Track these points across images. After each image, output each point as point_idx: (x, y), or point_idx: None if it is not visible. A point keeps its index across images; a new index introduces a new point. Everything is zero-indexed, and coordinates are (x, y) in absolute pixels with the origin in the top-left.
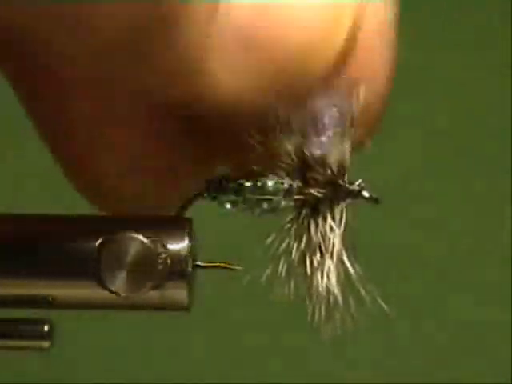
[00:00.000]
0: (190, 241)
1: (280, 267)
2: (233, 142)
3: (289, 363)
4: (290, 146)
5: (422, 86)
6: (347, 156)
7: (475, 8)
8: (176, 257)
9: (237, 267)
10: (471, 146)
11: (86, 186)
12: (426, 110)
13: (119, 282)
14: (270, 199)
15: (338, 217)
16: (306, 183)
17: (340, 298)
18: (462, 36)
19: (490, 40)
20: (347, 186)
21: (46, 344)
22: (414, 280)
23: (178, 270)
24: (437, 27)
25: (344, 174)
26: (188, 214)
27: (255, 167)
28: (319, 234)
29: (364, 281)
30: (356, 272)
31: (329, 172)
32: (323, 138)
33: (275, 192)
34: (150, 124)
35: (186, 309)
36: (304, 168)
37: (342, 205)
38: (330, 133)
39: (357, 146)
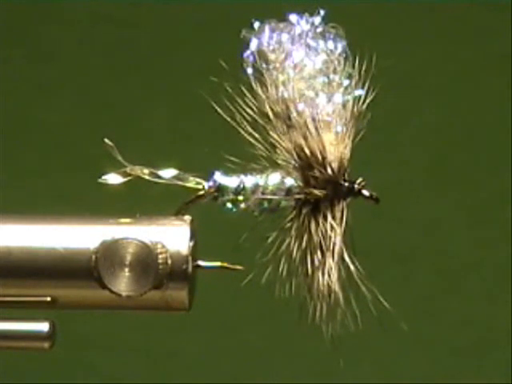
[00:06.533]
0: (191, 241)
1: (281, 267)
2: None
3: (289, 363)
4: (290, 146)
5: (422, 87)
6: (347, 155)
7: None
8: (176, 257)
9: (237, 267)
10: (471, 146)
11: None
12: (426, 110)
13: (120, 282)
14: (271, 199)
15: (338, 215)
16: (307, 182)
17: (341, 297)
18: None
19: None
20: (348, 184)
21: (46, 344)
22: (415, 280)
23: (179, 270)
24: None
25: (344, 173)
26: (188, 214)
27: (256, 166)
28: (320, 232)
29: (365, 279)
30: (357, 270)
31: (329, 171)
32: None
33: (276, 192)
34: None
35: (186, 309)
36: (304, 167)
37: (343, 203)
38: None
39: None
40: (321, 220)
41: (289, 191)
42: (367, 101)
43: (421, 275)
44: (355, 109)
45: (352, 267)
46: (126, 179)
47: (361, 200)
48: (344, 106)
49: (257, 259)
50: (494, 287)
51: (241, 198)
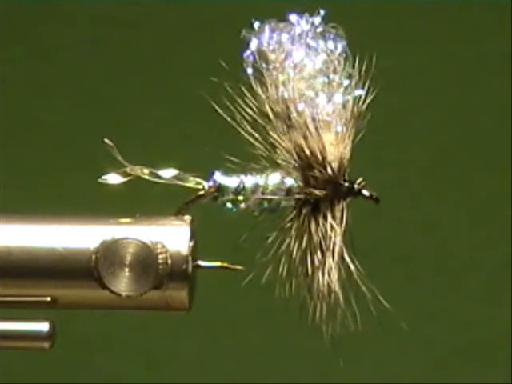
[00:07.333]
0: (191, 241)
1: (281, 267)
2: None
3: (289, 363)
4: (290, 146)
5: (422, 87)
6: (347, 155)
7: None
8: (176, 257)
9: (237, 267)
10: (471, 146)
11: None
12: (426, 110)
13: (120, 282)
14: (271, 199)
15: (338, 215)
16: (307, 182)
17: (341, 296)
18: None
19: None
20: (347, 184)
21: (46, 344)
22: (415, 280)
23: (179, 270)
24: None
25: (344, 173)
26: (188, 214)
27: (256, 166)
28: (320, 232)
29: (365, 279)
30: (357, 270)
31: (329, 171)
32: None
33: (276, 192)
34: None
35: (186, 309)
36: (304, 167)
37: (343, 203)
38: None
39: None
40: (321, 220)
41: (289, 191)
42: (367, 101)
43: (421, 275)
44: (355, 109)
45: (352, 267)
46: (126, 179)
47: (361, 200)
48: (344, 106)
49: (257, 259)
50: (493, 287)
51: (241, 198)
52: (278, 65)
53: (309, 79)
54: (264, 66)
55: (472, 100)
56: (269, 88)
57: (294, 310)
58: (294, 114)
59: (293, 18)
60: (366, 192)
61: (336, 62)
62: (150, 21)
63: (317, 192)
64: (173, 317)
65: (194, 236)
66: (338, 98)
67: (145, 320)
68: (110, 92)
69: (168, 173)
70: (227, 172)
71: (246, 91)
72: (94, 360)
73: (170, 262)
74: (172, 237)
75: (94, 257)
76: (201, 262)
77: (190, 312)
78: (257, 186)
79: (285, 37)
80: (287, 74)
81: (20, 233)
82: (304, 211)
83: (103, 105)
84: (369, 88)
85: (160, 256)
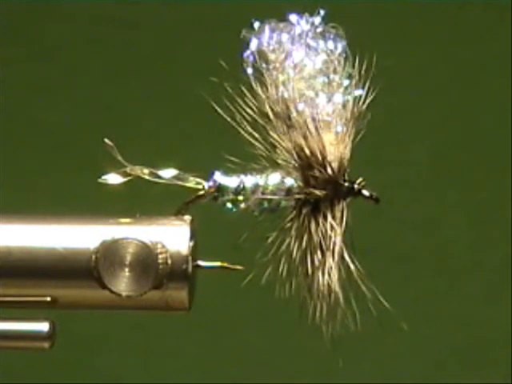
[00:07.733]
0: (191, 241)
1: (281, 267)
2: None
3: (289, 363)
4: (290, 146)
5: (422, 87)
6: (347, 155)
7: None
8: (176, 257)
9: (237, 267)
10: (471, 146)
11: None
12: (426, 110)
13: (120, 282)
14: (271, 199)
15: (338, 215)
16: (307, 182)
17: (341, 296)
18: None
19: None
20: (347, 184)
21: (46, 344)
22: (415, 280)
23: (179, 270)
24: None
25: (344, 173)
26: (188, 214)
27: (256, 166)
28: (320, 232)
29: (365, 279)
30: (357, 270)
31: (329, 171)
32: None
33: (276, 192)
34: None
35: (186, 309)
36: (304, 167)
37: (343, 203)
38: None
39: None
40: (321, 220)
41: (289, 191)
42: (367, 101)
43: (421, 275)
44: (355, 109)
45: (352, 267)
46: (126, 179)
47: (361, 200)
48: (344, 106)
49: (257, 259)
50: (493, 287)
51: (241, 198)
52: (278, 65)
53: (309, 79)
54: (264, 65)
55: (472, 100)
56: (269, 88)
57: (294, 309)
58: (294, 114)
59: (293, 18)
60: (365, 192)
61: (336, 62)
62: (150, 21)
63: (317, 192)
64: (173, 317)
65: (194, 236)
66: (338, 97)
67: (144, 320)
68: (110, 92)
69: (168, 173)
70: (227, 172)
71: (246, 91)
72: (93, 360)
73: (169, 262)
74: (172, 237)
75: (94, 257)
76: (201, 262)
77: (190, 312)
78: (257, 185)
79: (285, 37)
80: (287, 74)
81: (20, 233)
82: (304, 211)
83: (103, 105)
84: (369, 88)
85: (160, 256)
